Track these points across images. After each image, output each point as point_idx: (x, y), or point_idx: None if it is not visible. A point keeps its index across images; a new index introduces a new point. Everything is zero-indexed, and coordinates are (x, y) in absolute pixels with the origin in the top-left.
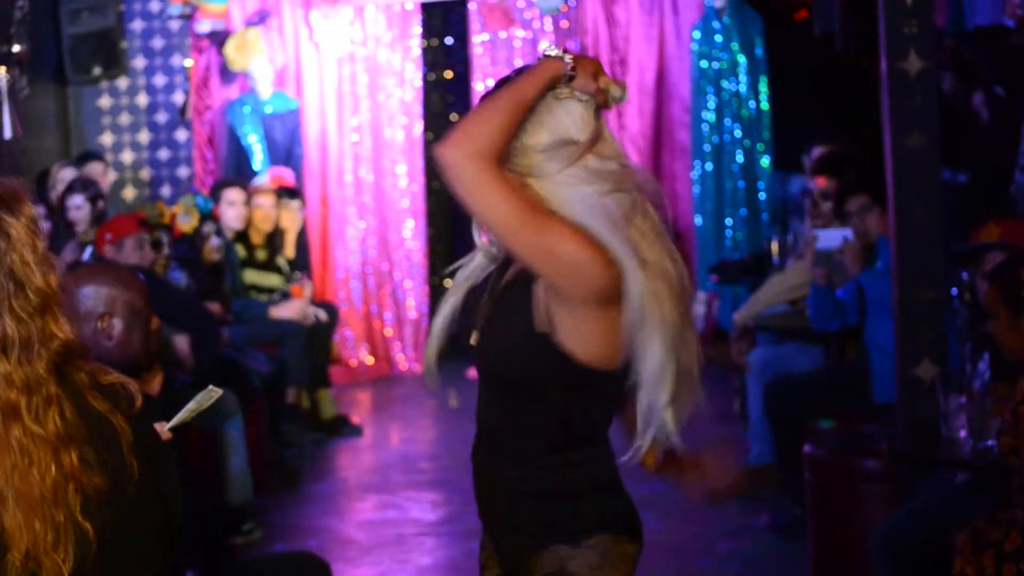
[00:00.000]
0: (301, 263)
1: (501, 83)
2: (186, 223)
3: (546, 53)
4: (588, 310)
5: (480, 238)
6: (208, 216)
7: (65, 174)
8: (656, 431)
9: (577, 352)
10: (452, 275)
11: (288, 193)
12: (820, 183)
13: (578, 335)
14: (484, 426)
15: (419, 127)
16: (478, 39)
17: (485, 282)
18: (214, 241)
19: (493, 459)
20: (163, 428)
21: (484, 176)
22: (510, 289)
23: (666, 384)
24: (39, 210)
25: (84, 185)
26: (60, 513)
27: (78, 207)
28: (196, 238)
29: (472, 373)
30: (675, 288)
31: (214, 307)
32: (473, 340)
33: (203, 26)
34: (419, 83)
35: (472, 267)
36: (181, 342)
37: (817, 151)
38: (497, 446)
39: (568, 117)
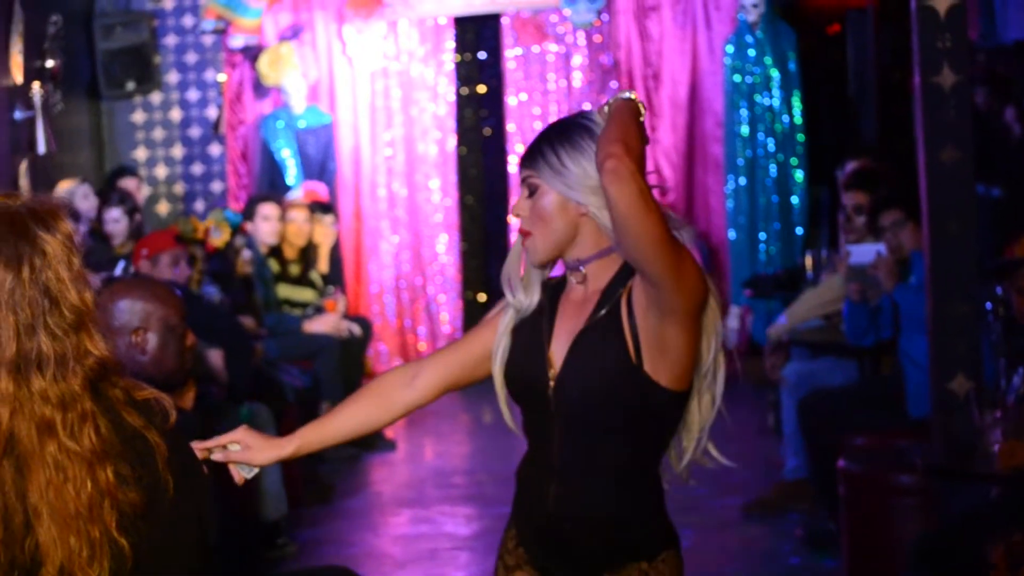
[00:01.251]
0: (335, 278)
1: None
2: (217, 238)
3: (624, 96)
4: (683, 324)
5: (511, 294)
6: (238, 229)
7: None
8: (704, 445)
9: (662, 379)
10: (482, 292)
11: (321, 208)
12: (854, 198)
13: (664, 359)
14: (562, 462)
15: (452, 141)
16: (511, 53)
17: (531, 329)
18: (246, 254)
19: (575, 493)
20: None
21: (647, 190)
22: (589, 331)
23: (719, 396)
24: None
25: (121, 198)
26: (96, 529)
27: (115, 220)
28: (228, 252)
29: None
30: (720, 309)
31: (247, 321)
32: (550, 389)
33: (236, 41)
34: (452, 97)
35: (506, 320)
36: (215, 357)
37: (851, 165)
38: (581, 480)
39: None
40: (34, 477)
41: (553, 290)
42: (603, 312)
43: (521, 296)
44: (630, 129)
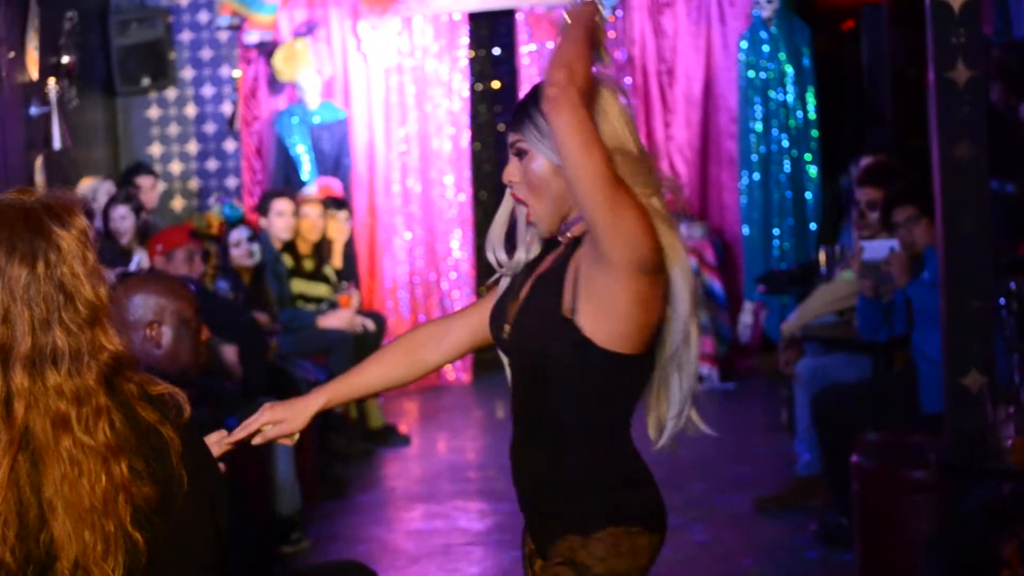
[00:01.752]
0: (349, 273)
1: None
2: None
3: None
4: (617, 279)
5: (494, 257)
6: (236, 222)
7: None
8: (685, 418)
9: (597, 336)
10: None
11: (335, 203)
12: (867, 194)
13: (599, 314)
14: (516, 416)
15: (467, 137)
16: (525, 49)
17: (513, 282)
18: (244, 247)
19: (524, 449)
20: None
21: (588, 120)
22: (540, 279)
23: (696, 371)
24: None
25: (127, 196)
26: (110, 523)
27: (122, 217)
28: (223, 246)
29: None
30: (691, 282)
31: (260, 316)
32: (505, 334)
33: (251, 37)
34: (466, 93)
35: (503, 285)
36: (230, 352)
37: (864, 161)
38: (527, 435)
39: (618, 120)
40: (49, 471)
41: (551, 246)
42: (559, 262)
43: (504, 257)
44: (579, 48)
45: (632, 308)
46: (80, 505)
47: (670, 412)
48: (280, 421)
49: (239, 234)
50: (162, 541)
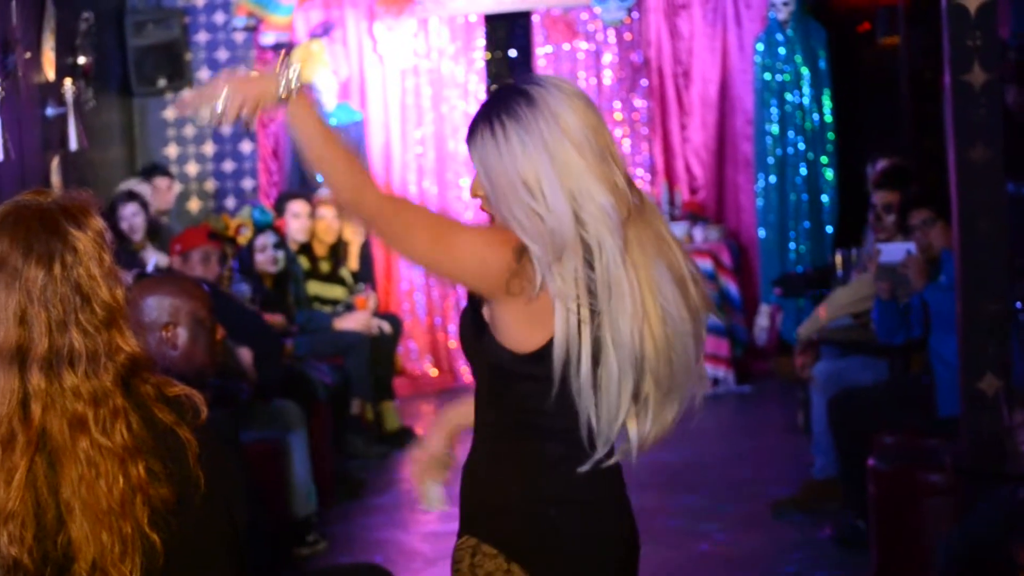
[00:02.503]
0: (365, 275)
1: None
2: (242, 235)
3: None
4: (501, 303)
5: None
6: (265, 228)
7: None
8: (610, 443)
9: (492, 326)
10: None
11: None
12: (883, 196)
13: (491, 310)
14: None
15: None
16: (541, 51)
17: None
18: (269, 253)
19: None
20: None
21: (404, 209)
22: None
23: (624, 401)
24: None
25: (130, 195)
26: (127, 524)
27: (135, 214)
28: (249, 250)
29: None
30: (640, 311)
31: (276, 319)
32: None
33: (268, 38)
34: (483, 95)
35: None
36: (245, 354)
37: (880, 164)
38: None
39: (577, 133)
40: (66, 473)
41: None
42: None
43: None
44: (332, 156)
45: (509, 320)
46: (97, 506)
47: (599, 427)
48: (425, 455)
49: (265, 239)
50: (179, 542)
